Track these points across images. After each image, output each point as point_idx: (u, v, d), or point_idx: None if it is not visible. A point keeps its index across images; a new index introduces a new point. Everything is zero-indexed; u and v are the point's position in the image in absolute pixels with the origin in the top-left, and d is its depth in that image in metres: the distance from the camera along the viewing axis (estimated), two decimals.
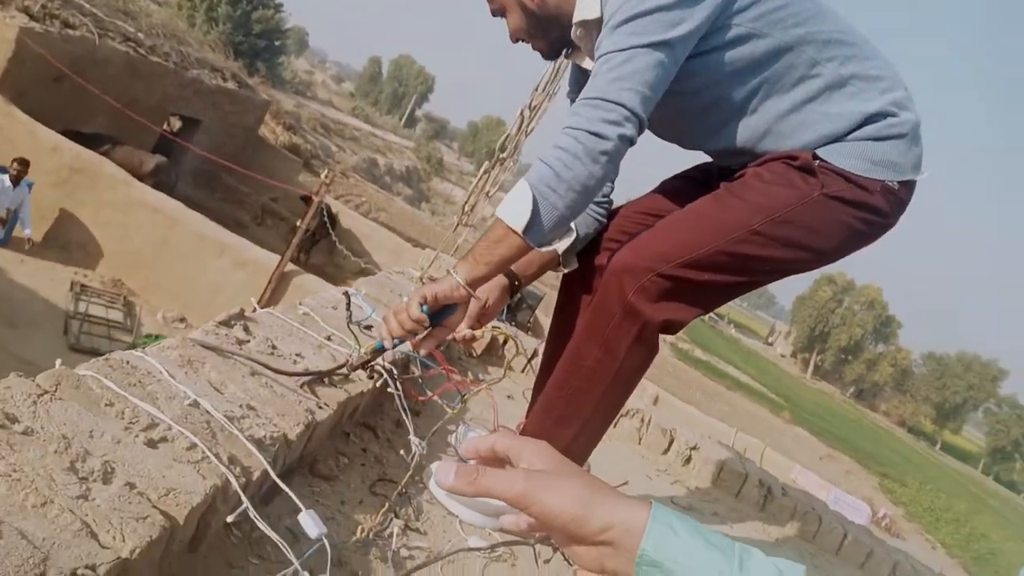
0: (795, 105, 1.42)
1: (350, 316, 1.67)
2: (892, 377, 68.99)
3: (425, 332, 1.42)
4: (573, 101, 1.71)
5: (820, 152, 1.42)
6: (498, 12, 1.51)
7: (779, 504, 2.78)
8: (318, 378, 1.44)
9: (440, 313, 1.39)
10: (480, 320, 1.70)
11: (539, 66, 2.88)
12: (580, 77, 1.66)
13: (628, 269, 1.44)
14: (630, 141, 1.31)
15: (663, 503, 0.58)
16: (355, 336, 1.63)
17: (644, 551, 0.54)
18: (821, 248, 1.48)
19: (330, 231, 9.01)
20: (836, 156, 1.41)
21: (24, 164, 6.70)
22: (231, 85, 12.02)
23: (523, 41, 1.54)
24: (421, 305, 1.35)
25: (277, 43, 26.48)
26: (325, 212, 9.36)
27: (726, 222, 1.43)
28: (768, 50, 1.38)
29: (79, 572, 0.73)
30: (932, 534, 17.25)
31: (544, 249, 1.57)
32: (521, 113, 2.87)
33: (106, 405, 1.01)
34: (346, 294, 1.73)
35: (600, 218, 1.73)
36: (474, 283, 1.37)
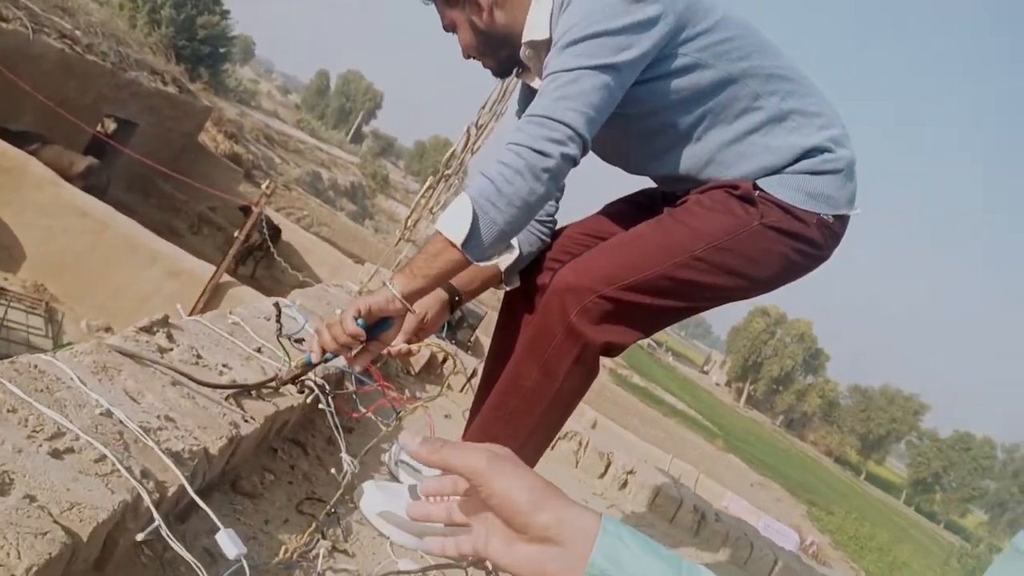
0: (737, 136, 1.45)
1: (280, 328, 1.60)
2: (820, 408, 71.37)
3: (360, 347, 1.37)
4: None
5: (760, 182, 1.45)
6: (449, 28, 1.51)
7: (712, 530, 2.80)
8: (244, 391, 1.38)
9: (376, 327, 1.35)
10: (418, 335, 1.66)
11: (487, 86, 2.88)
12: (529, 96, 1.65)
13: (571, 289, 1.43)
14: (573, 161, 1.31)
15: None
16: (285, 349, 1.57)
17: (594, 560, 0.54)
18: (759, 277, 1.50)
19: (270, 244, 8.80)
20: (775, 187, 1.44)
21: None
22: (171, 89, 11.70)
23: (474, 58, 1.54)
24: (356, 318, 1.31)
25: (222, 50, 25.91)
26: (265, 224, 9.16)
27: (669, 246, 1.44)
28: (713, 80, 1.40)
29: None
30: (857, 562, 17.74)
31: (485, 265, 1.55)
32: (468, 131, 2.86)
33: (8, 411, 0.93)
34: (276, 305, 1.66)
35: (544, 237, 1.72)
36: (411, 296, 1.34)
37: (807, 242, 1.47)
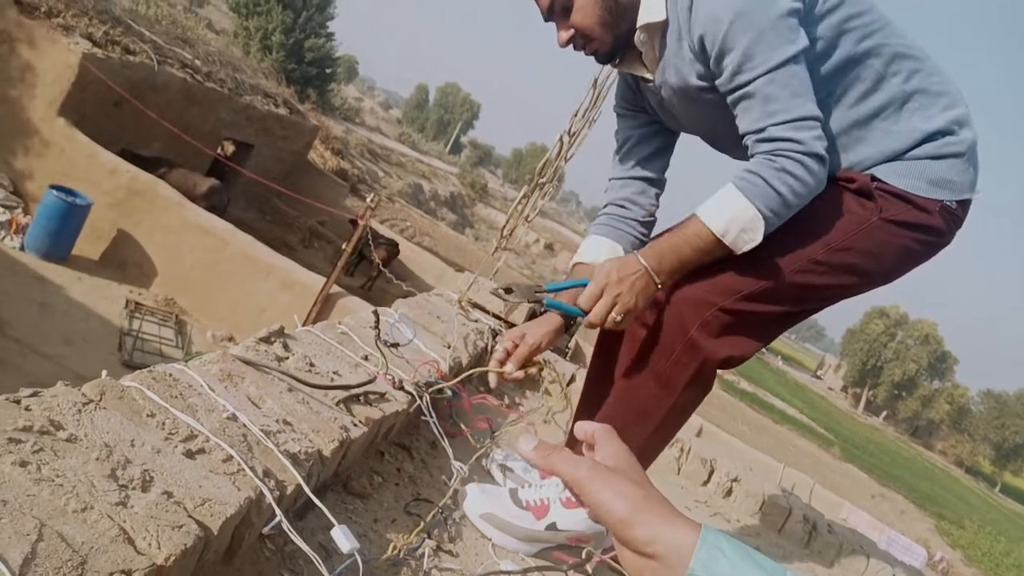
0: (858, 119, 1.39)
1: (378, 334, 1.71)
2: (949, 415, 66.59)
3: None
4: (622, 114, 1.70)
5: (878, 172, 1.39)
6: (561, 1, 1.39)
7: (825, 541, 2.69)
8: (353, 395, 1.46)
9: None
10: (528, 359, 1.65)
11: (579, 93, 2.90)
12: (632, 87, 1.64)
13: (689, 302, 1.42)
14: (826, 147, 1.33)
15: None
16: (383, 353, 1.66)
17: (692, 571, 0.54)
18: (879, 271, 1.46)
19: (381, 266, 9.15)
20: (894, 176, 1.38)
21: None
22: (283, 111, 12.38)
23: (580, 41, 1.44)
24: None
25: (328, 71, 27.15)
26: (381, 240, 9.62)
27: (786, 252, 1.40)
28: (837, 62, 1.36)
29: None
30: None
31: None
32: (560, 139, 2.88)
33: (148, 416, 1.03)
34: (375, 312, 1.76)
35: (644, 238, 1.71)
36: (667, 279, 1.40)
37: (929, 231, 1.41)
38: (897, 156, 1.39)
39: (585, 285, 1.40)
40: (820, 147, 1.29)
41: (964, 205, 1.43)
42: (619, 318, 1.37)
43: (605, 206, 1.74)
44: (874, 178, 1.39)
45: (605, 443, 0.67)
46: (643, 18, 1.38)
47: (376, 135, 37.26)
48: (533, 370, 1.60)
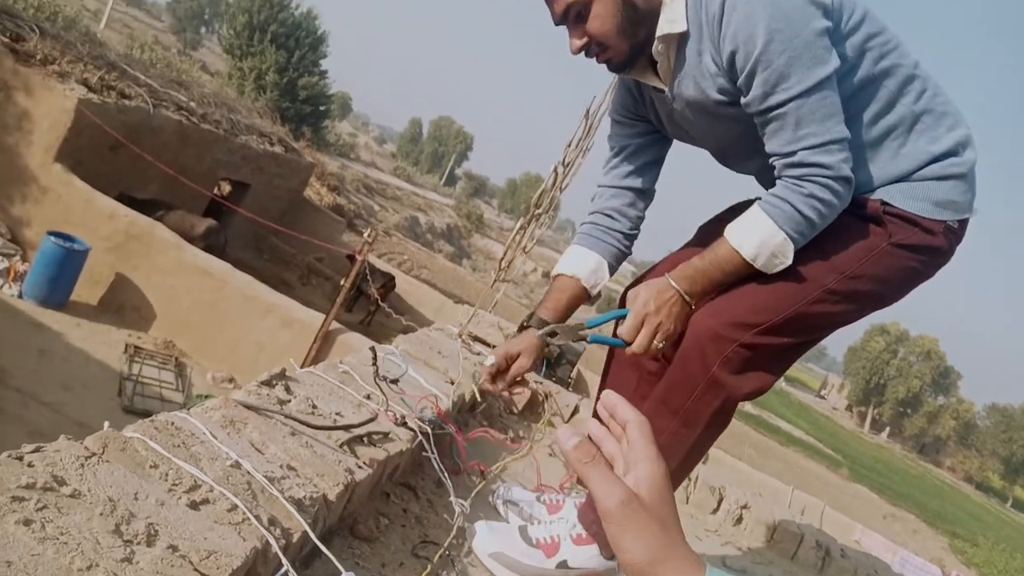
0: (871, 139, 1.40)
1: (376, 371, 1.71)
2: (955, 431, 66.15)
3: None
4: (620, 121, 1.69)
5: (886, 195, 1.40)
6: (576, 7, 1.34)
7: (838, 566, 2.65)
8: (357, 436, 1.45)
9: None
10: (512, 384, 1.63)
11: (572, 123, 2.93)
12: (635, 95, 1.63)
13: (711, 339, 1.41)
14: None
15: (716, 564, 0.58)
16: (382, 390, 1.65)
17: None
18: (886, 294, 1.48)
19: (379, 300, 9.15)
20: (902, 198, 1.39)
21: None
22: (278, 149, 12.47)
23: (594, 49, 1.40)
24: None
25: (322, 108, 27.42)
26: (378, 275, 9.63)
27: (802, 283, 1.41)
28: (857, 81, 1.36)
29: None
30: None
31: (567, 287, 1.65)
32: (555, 170, 2.90)
33: (151, 467, 1.02)
34: (372, 349, 1.77)
35: (627, 250, 1.73)
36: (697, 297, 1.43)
37: (933, 251, 1.43)
38: (904, 177, 1.40)
39: (622, 315, 1.44)
40: (847, 169, 1.31)
41: (964, 224, 1.45)
42: (661, 345, 1.42)
43: (591, 213, 1.74)
44: (883, 202, 1.40)
45: (642, 458, 0.64)
46: (663, 28, 1.35)
47: (371, 170, 37.52)
48: (519, 390, 1.60)
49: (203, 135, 9.99)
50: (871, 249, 1.39)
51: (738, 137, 1.45)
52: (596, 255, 1.68)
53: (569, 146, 2.87)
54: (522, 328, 1.62)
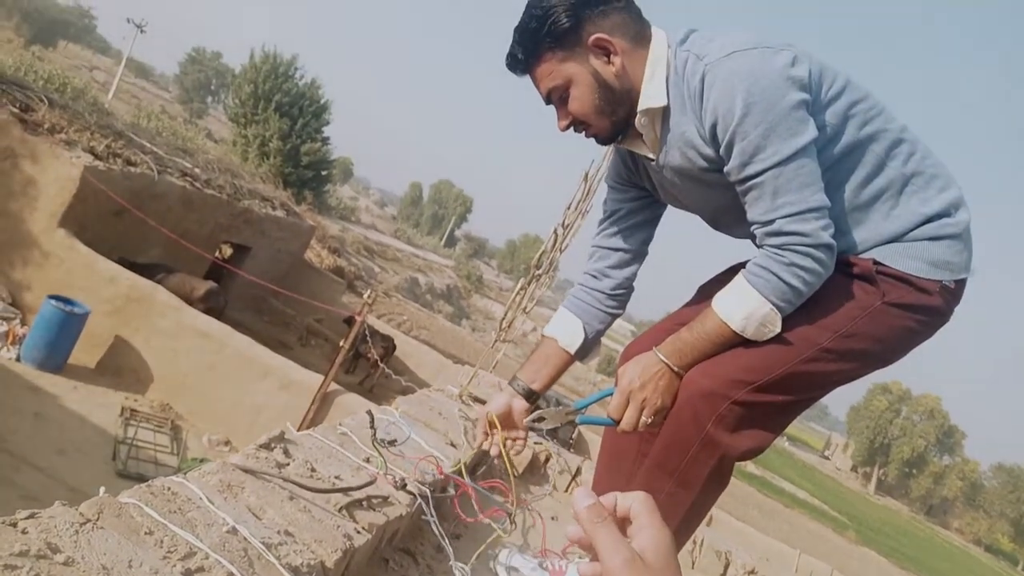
0: (860, 203, 1.41)
1: (374, 434, 1.69)
2: (962, 491, 64.97)
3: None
4: (613, 187, 1.72)
5: (878, 255, 1.41)
6: (558, 92, 1.43)
7: None
8: (368, 499, 1.42)
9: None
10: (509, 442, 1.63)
11: (571, 185, 2.98)
12: (628, 163, 1.66)
13: (704, 397, 1.41)
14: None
15: None
16: (380, 452, 1.64)
17: None
18: (883, 354, 1.47)
19: (379, 361, 9.13)
20: (895, 258, 1.40)
21: None
22: (280, 213, 12.61)
23: (581, 124, 1.47)
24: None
25: (324, 173, 27.84)
26: (377, 338, 9.61)
27: (795, 342, 1.40)
28: (842, 147, 1.38)
29: None
30: None
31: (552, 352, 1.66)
32: (555, 231, 2.94)
33: (146, 533, 1.00)
34: (369, 413, 1.76)
35: (616, 312, 1.74)
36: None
37: (930, 311, 1.42)
38: (897, 238, 1.41)
39: (609, 394, 1.42)
40: (827, 236, 1.31)
41: (961, 284, 1.45)
42: (649, 420, 1.40)
43: (583, 274, 1.77)
44: (876, 262, 1.40)
45: (647, 526, 0.64)
46: (644, 103, 1.40)
47: (372, 232, 37.88)
48: (518, 446, 1.57)
49: (206, 200, 10.13)
50: (865, 308, 1.39)
51: (728, 203, 1.46)
52: (573, 318, 1.70)
53: (569, 208, 2.92)
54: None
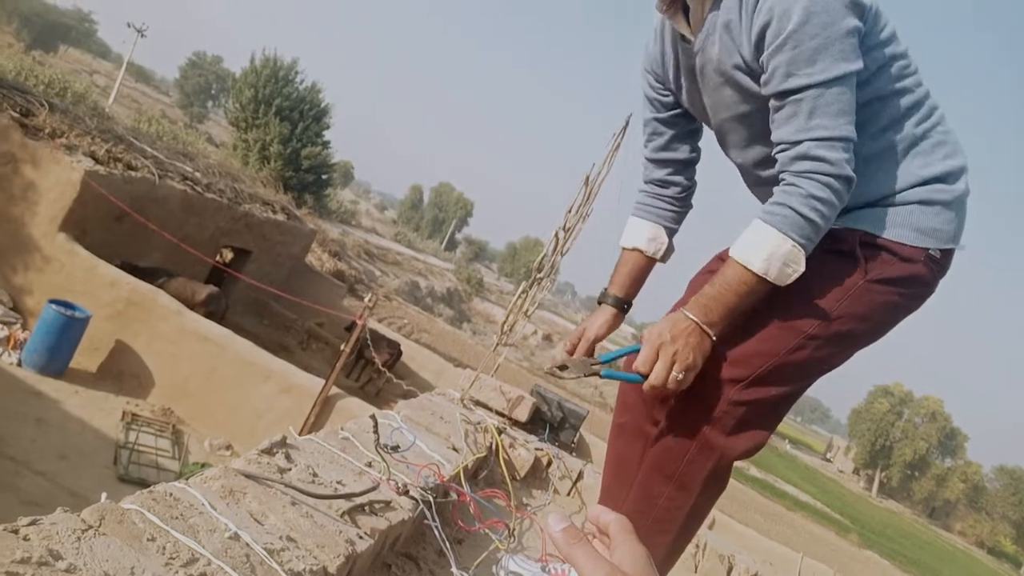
0: (869, 154, 1.39)
1: (377, 439, 1.70)
2: (964, 493, 64.87)
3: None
4: (650, 99, 1.71)
5: (866, 223, 1.39)
6: None
7: None
8: (369, 504, 1.42)
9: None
10: (591, 349, 1.71)
11: (571, 188, 2.98)
12: (662, 60, 1.62)
13: (698, 400, 1.40)
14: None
15: None
16: (383, 458, 1.64)
17: None
18: (868, 332, 1.45)
19: (383, 368, 9.12)
20: (882, 226, 1.38)
21: None
22: (280, 217, 12.62)
23: None
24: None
25: (324, 176, 27.86)
26: (383, 343, 9.60)
27: (782, 331, 1.39)
28: (870, 93, 1.36)
29: None
30: None
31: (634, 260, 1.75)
32: (556, 235, 2.94)
33: (148, 540, 1.00)
34: (372, 417, 1.76)
35: (686, 210, 1.80)
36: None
37: (915, 282, 1.41)
38: (887, 196, 1.39)
39: (637, 350, 1.37)
40: (849, 169, 1.29)
41: (948, 255, 1.42)
42: (680, 376, 1.31)
43: (645, 183, 1.81)
44: (862, 233, 1.39)
45: (622, 543, 0.66)
46: None
47: (372, 236, 37.91)
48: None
49: (207, 204, 10.13)
50: (848, 289, 1.37)
51: (744, 114, 1.44)
52: (650, 223, 1.76)
53: (569, 211, 2.91)
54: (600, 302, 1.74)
